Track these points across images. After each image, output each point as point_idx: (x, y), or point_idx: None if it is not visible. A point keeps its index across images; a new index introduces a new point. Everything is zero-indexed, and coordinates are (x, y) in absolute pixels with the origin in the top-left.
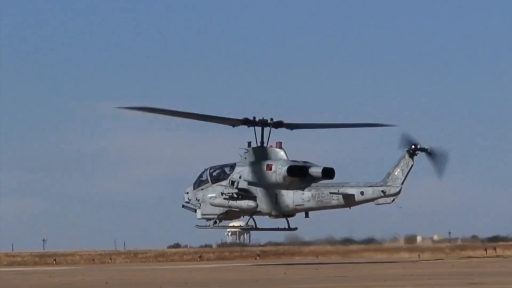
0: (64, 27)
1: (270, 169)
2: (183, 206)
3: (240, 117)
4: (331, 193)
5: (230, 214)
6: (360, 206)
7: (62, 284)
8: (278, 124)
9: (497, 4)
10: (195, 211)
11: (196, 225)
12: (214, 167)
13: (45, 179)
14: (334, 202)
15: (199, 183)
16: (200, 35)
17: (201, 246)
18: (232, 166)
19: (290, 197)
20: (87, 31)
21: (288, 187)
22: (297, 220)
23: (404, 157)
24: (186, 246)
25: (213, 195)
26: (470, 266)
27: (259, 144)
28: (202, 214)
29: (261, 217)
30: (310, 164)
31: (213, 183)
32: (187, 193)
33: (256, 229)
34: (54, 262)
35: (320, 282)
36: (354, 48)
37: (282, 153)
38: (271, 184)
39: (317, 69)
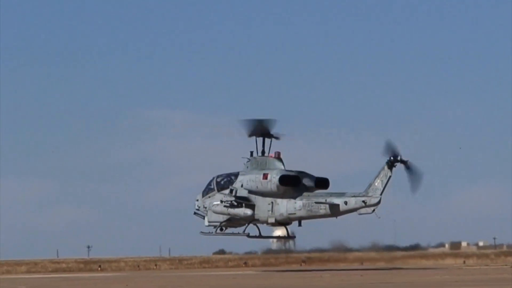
0: (112, 36)
1: (266, 178)
2: (195, 213)
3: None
4: (316, 202)
5: (233, 222)
6: (405, 213)
7: None
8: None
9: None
10: (204, 218)
11: (201, 232)
12: (221, 175)
13: (91, 186)
14: (322, 212)
15: (207, 191)
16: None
17: (246, 253)
18: (237, 175)
19: (284, 205)
20: (135, 39)
21: (282, 196)
22: (335, 227)
23: (383, 168)
24: (231, 253)
25: (216, 203)
26: None
27: (260, 154)
28: (209, 221)
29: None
30: (304, 174)
31: (218, 191)
32: (197, 200)
33: (253, 236)
34: (99, 269)
35: None
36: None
37: (279, 162)
38: (267, 193)
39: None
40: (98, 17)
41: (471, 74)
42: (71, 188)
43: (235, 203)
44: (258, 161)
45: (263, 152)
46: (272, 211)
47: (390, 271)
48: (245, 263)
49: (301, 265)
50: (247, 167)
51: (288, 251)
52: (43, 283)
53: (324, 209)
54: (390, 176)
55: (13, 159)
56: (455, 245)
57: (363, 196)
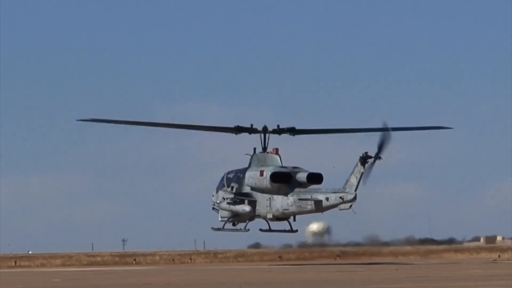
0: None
1: (262, 175)
2: (213, 208)
3: (243, 125)
4: (300, 199)
5: (240, 218)
6: (440, 207)
7: (141, 284)
8: (281, 131)
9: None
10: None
11: (212, 228)
12: (231, 171)
13: (126, 180)
14: (309, 208)
15: (220, 187)
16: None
17: (281, 247)
18: (245, 171)
19: (279, 201)
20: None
21: (277, 192)
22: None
23: (357, 164)
24: (266, 246)
25: (222, 199)
26: None
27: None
28: (221, 217)
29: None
30: (298, 170)
31: (228, 187)
32: (213, 196)
33: (264, 230)
34: (134, 262)
35: (400, 282)
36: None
37: (277, 159)
38: (263, 189)
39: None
40: (133, 8)
41: (495, 65)
42: (107, 181)
43: (237, 200)
44: (258, 158)
45: (264, 149)
46: (270, 207)
47: (425, 265)
48: (280, 257)
49: (335, 259)
50: (250, 163)
51: (323, 245)
52: (78, 276)
53: (310, 205)
54: (362, 172)
55: (48, 153)
56: (490, 239)
57: (341, 192)
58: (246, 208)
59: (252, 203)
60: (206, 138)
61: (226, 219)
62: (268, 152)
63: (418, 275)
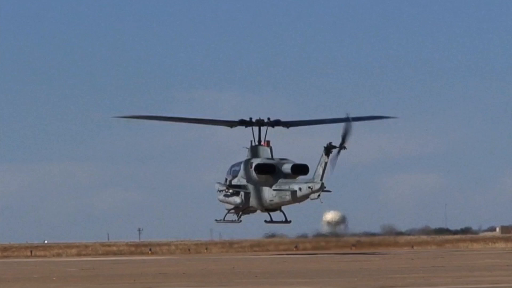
0: (161, 16)
1: (251, 167)
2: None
3: (236, 119)
4: (280, 190)
5: (238, 209)
6: (457, 197)
7: (157, 273)
8: (275, 123)
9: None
10: None
11: (215, 219)
12: (236, 163)
13: (142, 169)
14: (287, 198)
15: (225, 179)
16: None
17: (297, 236)
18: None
19: (266, 193)
20: (185, 20)
21: (265, 184)
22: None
23: (322, 155)
24: (282, 236)
25: (217, 191)
26: None
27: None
28: (226, 209)
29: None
30: (284, 162)
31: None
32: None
33: (268, 222)
34: (150, 252)
35: (416, 272)
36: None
37: (267, 151)
38: (253, 181)
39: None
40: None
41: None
42: (123, 171)
43: (233, 192)
44: (253, 151)
45: (259, 141)
46: (259, 198)
47: (440, 255)
48: (296, 246)
49: (351, 249)
50: (248, 156)
51: (339, 235)
52: (93, 266)
53: (288, 195)
54: (326, 162)
55: (63, 142)
56: (506, 229)
57: (310, 182)
58: (237, 200)
59: (247, 195)
60: (223, 128)
61: (227, 210)
62: (261, 145)
63: (434, 264)
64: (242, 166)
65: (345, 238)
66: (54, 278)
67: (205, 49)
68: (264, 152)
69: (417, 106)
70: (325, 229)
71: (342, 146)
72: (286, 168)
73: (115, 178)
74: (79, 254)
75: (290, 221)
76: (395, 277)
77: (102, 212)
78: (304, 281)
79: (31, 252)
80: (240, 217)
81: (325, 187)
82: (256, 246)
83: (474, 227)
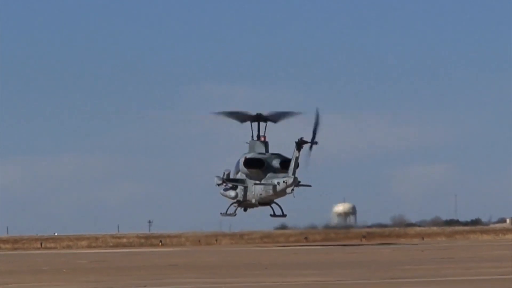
0: (172, 9)
1: (242, 162)
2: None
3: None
4: (265, 184)
5: (240, 203)
6: (466, 188)
7: (167, 265)
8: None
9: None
10: None
11: (220, 213)
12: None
13: (152, 161)
14: (271, 192)
15: (224, 174)
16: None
17: (307, 228)
18: None
19: (257, 187)
20: (196, 14)
21: (257, 178)
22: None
23: (294, 150)
24: (292, 228)
25: (216, 185)
26: None
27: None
28: (230, 202)
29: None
30: (274, 156)
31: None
32: None
33: (273, 215)
34: (160, 244)
35: (426, 263)
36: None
37: (261, 145)
38: (246, 175)
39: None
40: None
41: None
42: (133, 163)
43: (230, 186)
44: (251, 145)
45: (258, 137)
46: (254, 193)
47: (450, 246)
48: (306, 238)
49: (361, 240)
50: (248, 150)
51: (349, 226)
52: (103, 258)
53: (271, 189)
54: (297, 157)
55: (73, 134)
56: None
57: (285, 177)
58: (232, 193)
59: (244, 189)
60: (233, 120)
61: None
62: (257, 140)
63: (444, 256)
64: (239, 160)
65: (355, 230)
66: (64, 270)
67: (214, 43)
68: (259, 147)
69: (427, 98)
70: (335, 220)
71: (313, 142)
72: (275, 163)
73: (125, 171)
74: (89, 246)
75: (285, 215)
76: (405, 269)
77: (112, 204)
78: (314, 273)
79: (41, 244)
80: (235, 210)
81: (299, 181)
82: (266, 237)
83: (484, 219)
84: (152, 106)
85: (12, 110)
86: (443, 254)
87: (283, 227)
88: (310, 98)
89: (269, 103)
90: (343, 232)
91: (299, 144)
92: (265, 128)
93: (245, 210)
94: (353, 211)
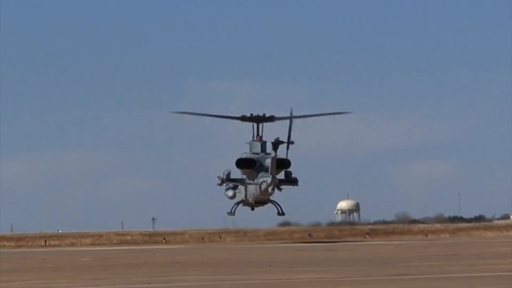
0: (176, 5)
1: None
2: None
3: (249, 109)
4: (254, 184)
5: (244, 203)
6: (470, 185)
7: (171, 262)
8: (269, 119)
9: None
10: None
11: (227, 212)
12: None
13: (156, 158)
14: (258, 191)
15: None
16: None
17: (310, 225)
18: None
19: (249, 187)
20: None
21: (251, 178)
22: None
23: (272, 150)
24: (295, 225)
25: (217, 185)
26: None
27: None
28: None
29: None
30: (267, 156)
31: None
32: None
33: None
34: (164, 241)
35: (430, 260)
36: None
37: (258, 146)
38: (246, 175)
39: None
40: None
41: None
42: (137, 160)
43: (231, 185)
44: (250, 145)
45: (257, 136)
46: (250, 192)
47: (454, 243)
48: (310, 235)
49: (365, 237)
50: (248, 151)
51: (352, 223)
52: (107, 255)
53: (258, 189)
54: (274, 156)
55: (77, 131)
56: None
57: (266, 176)
58: (229, 193)
59: (245, 189)
60: (236, 114)
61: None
62: (255, 140)
63: (448, 252)
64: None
65: (359, 227)
66: (68, 268)
67: (218, 40)
68: (256, 147)
69: (431, 95)
70: (338, 217)
71: (289, 142)
72: (267, 162)
73: (129, 168)
74: (93, 244)
75: (284, 214)
76: (409, 266)
77: (116, 201)
78: (318, 270)
79: (45, 241)
80: (232, 210)
81: (277, 180)
82: (270, 234)
83: (488, 215)
84: (157, 103)
85: (15, 107)
86: (447, 250)
87: (287, 224)
88: (313, 95)
89: (273, 100)
90: (347, 229)
91: (276, 144)
92: (263, 128)
93: (252, 209)
94: (357, 208)
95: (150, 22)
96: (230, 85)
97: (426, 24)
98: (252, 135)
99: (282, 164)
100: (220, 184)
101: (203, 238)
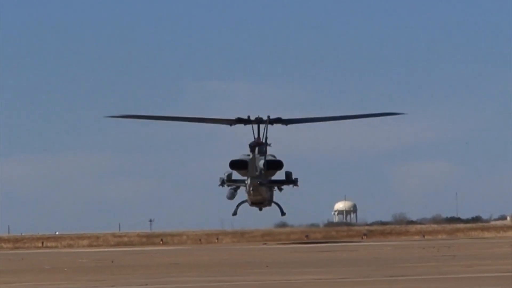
0: (175, 6)
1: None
2: None
3: (245, 111)
4: (246, 185)
5: (245, 203)
6: (467, 186)
7: (168, 264)
8: (274, 121)
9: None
10: None
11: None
12: None
13: (153, 159)
14: (248, 193)
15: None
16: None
17: (308, 226)
18: None
19: (243, 188)
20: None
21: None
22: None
23: (250, 152)
24: (293, 226)
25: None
26: None
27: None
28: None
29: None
30: (261, 158)
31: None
32: None
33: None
34: (161, 242)
35: (427, 261)
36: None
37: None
38: (244, 176)
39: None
40: None
41: None
42: (134, 161)
43: (233, 186)
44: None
45: (258, 138)
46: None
47: (451, 244)
48: (307, 235)
49: (362, 238)
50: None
51: (350, 224)
52: (105, 257)
53: (247, 191)
54: (252, 158)
55: (74, 133)
56: None
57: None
58: (228, 194)
59: (239, 190)
60: (232, 116)
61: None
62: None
63: (445, 253)
64: None
65: (356, 227)
66: (66, 269)
67: (215, 40)
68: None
69: (427, 96)
70: (336, 218)
71: (266, 143)
72: (261, 164)
73: (126, 169)
74: (90, 245)
75: (285, 214)
76: (407, 266)
77: (114, 203)
78: (315, 271)
79: (42, 243)
80: (235, 211)
81: (258, 182)
82: (267, 235)
83: (485, 216)
84: (154, 104)
85: (13, 108)
86: (444, 251)
87: (284, 225)
88: (313, 96)
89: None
90: (344, 230)
91: (253, 146)
92: (266, 130)
93: (260, 209)
94: (354, 209)
95: (146, 23)
96: (227, 86)
97: (425, 24)
98: (253, 136)
99: (277, 166)
100: (221, 185)
101: (200, 239)
